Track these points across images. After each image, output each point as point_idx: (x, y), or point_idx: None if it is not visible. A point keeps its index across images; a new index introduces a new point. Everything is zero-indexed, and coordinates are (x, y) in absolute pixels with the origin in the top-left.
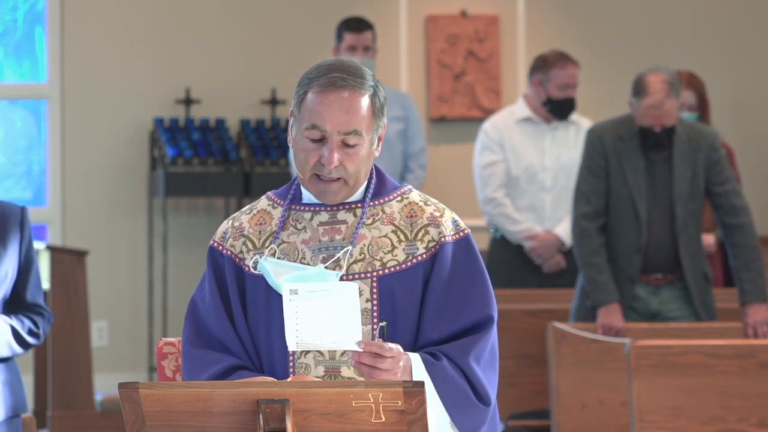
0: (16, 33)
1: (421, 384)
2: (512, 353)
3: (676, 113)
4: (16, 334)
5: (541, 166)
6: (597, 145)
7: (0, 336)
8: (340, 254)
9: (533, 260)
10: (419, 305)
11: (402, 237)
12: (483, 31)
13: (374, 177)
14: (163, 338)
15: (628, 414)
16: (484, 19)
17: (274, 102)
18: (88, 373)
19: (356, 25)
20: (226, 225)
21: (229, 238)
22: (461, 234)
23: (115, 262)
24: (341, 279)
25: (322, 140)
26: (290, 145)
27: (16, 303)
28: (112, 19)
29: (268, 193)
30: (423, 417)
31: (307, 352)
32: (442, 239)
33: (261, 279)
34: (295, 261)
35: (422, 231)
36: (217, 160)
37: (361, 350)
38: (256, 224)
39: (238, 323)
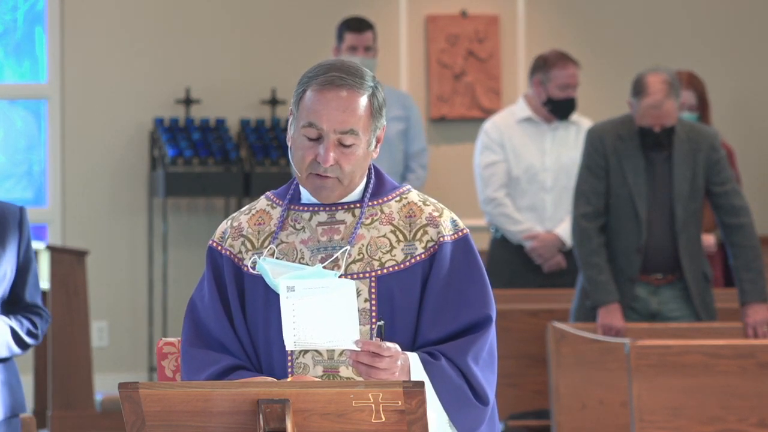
0: (16, 33)
1: (421, 384)
2: (512, 353)
3: (676, 113)
4: (14, 334)
5: (542, 166)
6: (597, 145)
7: None
8: (338, 254)
9: (534, 260)
10: (418, 305)
11: (401, 237)
12: (483, 31)
13: (373, 177)
14: (163, 338)
15: (628, 414)
16: (484, 19)
17: (274, 102)
18: (88, 373)
19: (357, 25)
20: (225, 225)
21: (228, 238)
22: (460, 234)
23: (115, 262)
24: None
25: (318, 139)
26: (289, 143)
27: (15, 303)
28: (112, 19)
29: (267, 193)
30: (423, 417)
31: (306, 351)
32: (441, 239)
33: (260, 279)
34: (293, 261)
35: (421, 231)
36: (217, 160)
37: (359, 349)
38: (255, 224)
39: (237, 323)
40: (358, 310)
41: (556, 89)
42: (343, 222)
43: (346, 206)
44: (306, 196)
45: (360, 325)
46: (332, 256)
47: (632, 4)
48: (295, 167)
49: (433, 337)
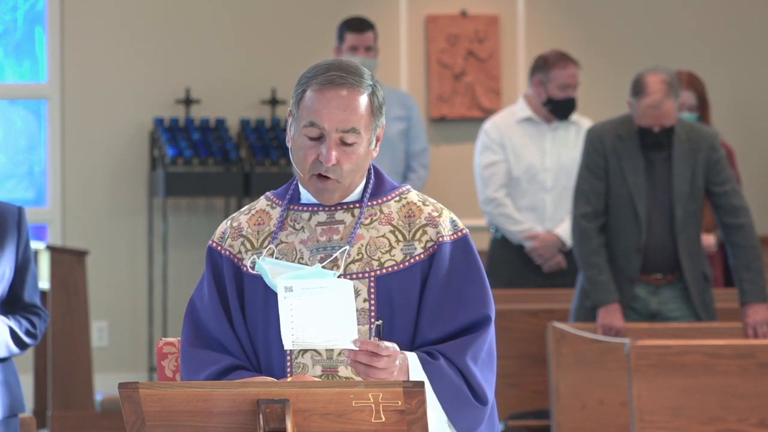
0: (16, 33)
1: (421, 384)
2: (512, 353)
3: (675, 113)
4: (13, 334)
5: (542, 167)
6: (597, 145)
7: None
8: (337, 254)
9: (534, 260)
10: (417, 305)
11: (400, 237)
12: (483, 31)
13: (372, 177)
14: (163, 338)
15: (628, 414)
16: (484, 19)
17: (274, 102)
18: (88, 373)
19: (358, 25)
20: (224, 225)
21: (227, 238)
22: (459, 234)
23: (115, 262)
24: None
25: (320, 138)
26: (288, 144)
27: (13, 303)
28: (112, 19)
29: (267, 193)
30: (423, 417)
31: (305, 351)
32: (440, 239)
33: (259, 279)
34: (293, 261)
35: (420, 231)
36: (217, 160)
37: (357, 349)
38: (254, 224)
39: (237, 323)
40: (357, 310)
41: (556, 89)
42: (342, 222)
43: (345, 206)
44: (305, 196)
45: (359, 324)
46: (331, 256)
47: (632, 4)
48: (297, 168)
49: (432, 337)
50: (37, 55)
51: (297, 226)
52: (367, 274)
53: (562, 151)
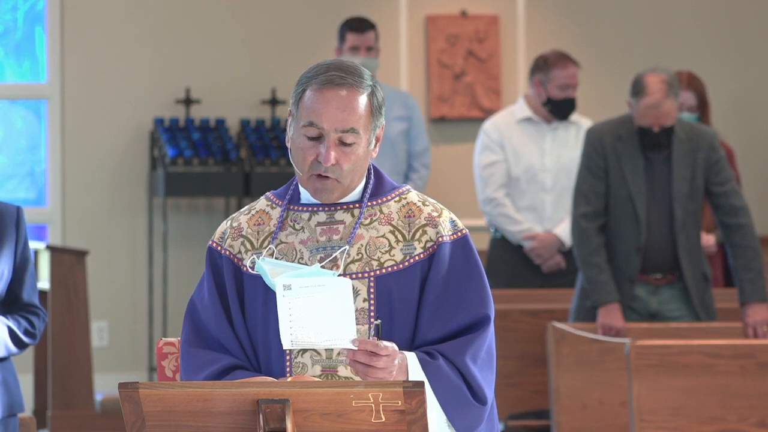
0: (16, 33)
1: (421, 384)
2: (512, 353)
3: (675, 113)
4: (12, 334)
5: (542, 167)
6: (596, 145)
7: None
8: (337, 254)
9: (533, 260)
10: (416, 305)
11: (400, 237)
12: (483, 31)
13: (372, 177)
14: (163, 338)
15: (628, 414)
16: (484, 19)
17: (274, 102)
18: (88, 373)
19: (358, 25)
20: (224, 225)
21: (227, 238)
22: (459, 234)
23: (115, 262)
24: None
25: (319, 138)
26: (288, 144)
27: (12, 303)
28: (112, 19)
29: (267, 193)
30: (423, 417)
31: (304, 351)
32: (440, 239)
33: (259, 279)
34: (293, 261)
35: (420, 231)
36: (217, 160)
37: (356, 348)
38: (254, 224)
39: (237, 323)
40: (357, 310)
41: (556, 89)
42: (342, 222)
43: (345, 206)
44: (305, 196)
45: (359, 324)
46: (331, 256)
47: (632, 4)
48: (296, 168)
49: (431, 337)
50: (37, 55)
51: (297, 226)
52: (366, 274)
53: (561, 151)
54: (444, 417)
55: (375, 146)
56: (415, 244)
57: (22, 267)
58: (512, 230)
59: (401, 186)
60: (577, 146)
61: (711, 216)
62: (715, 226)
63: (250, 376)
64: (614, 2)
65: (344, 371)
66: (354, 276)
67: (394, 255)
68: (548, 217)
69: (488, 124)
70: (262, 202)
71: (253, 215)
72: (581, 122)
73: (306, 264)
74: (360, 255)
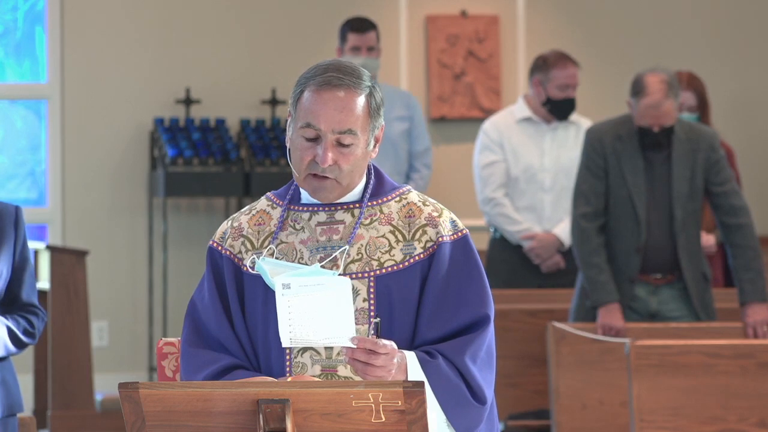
0: (16, 33)
1: (421, 384)
2: (512, 353)
3: (675, 113)
4: (11, 334)
5: (541, 167)
6: (596, 145)
7: None
8: (336, 253)
9: (532, 260)
10: (416, 305)
11: (400, 237)
12: (483, 31)
13: (373, 177)
14: (163, 338)
15: (628, 414)
16: (484, 19)
17: (274, 102)
18: (88, 373)
19: (360, 25)
20: (225, 225)
21: (228, 238)
22: (459, 234)
23: (115, 262)
24: None
25: (316, 139)
26: (287, 144)
27: (11, 303)
28: (112, 19)
29: (268, 193)
30: (423, 417)
31: (304, 351)
32: (440, 239)
33: (259, 279)
34: (293, 261)
35: (420, 231)
36: (217, 160)
37: (355, 347)
38: (255, 224)
39: (237, 323)
40: (357, 310)
41: (556, 89)
42: (342, 222)
43: (345, 206)
44: (306, 196)
45: (358, 324)
46: (331, 255)
47: (632, 4)
48: (293, 168)
49: (431, 337)
50: (37, 55)
51: (297, 226)
52: (366, 274)
53: (561, 151)
54: (444, 417)
55: (374, 147)
56: (415, 244)
57: (21, 267)
58: (511, 230)
59: (402, 186)
60: (576, 146)
61: (711, 216)
62: (715, 226)
63: (249, 376)
64: (614, 2)
65: (344, 371)
66: (354, 276)
67: (394, 255)
68: (547, 217)
69: (488, 124)
70: (262, 202)
71: (253, 215)
72: (581, 122)
73: (306, 264)
74: (360, 255)
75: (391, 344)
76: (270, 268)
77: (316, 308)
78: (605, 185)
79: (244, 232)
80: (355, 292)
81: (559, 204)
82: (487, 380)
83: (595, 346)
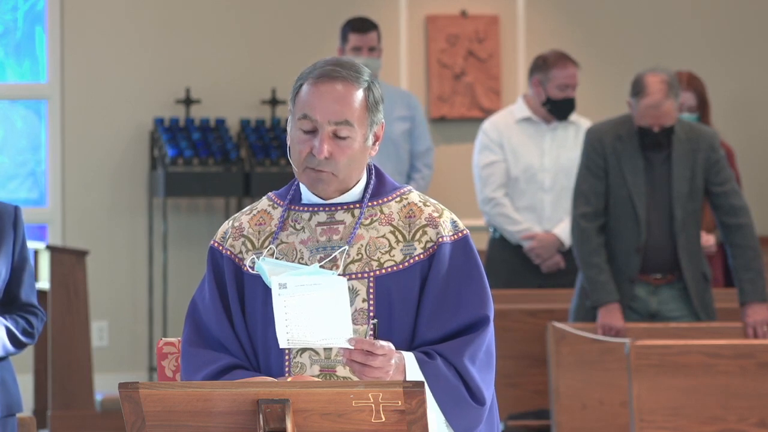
0: (16, 33)
1: (421, 384)
2: (512, 353)
3: (675, 113)
4: (10, 334)
5: (541, 167)
6: (596, 145)
7: None
8: (336, 254)
9: (532, 260)
10: (416, 305)
11: (400, 237)
12: (483, 31)
13: (373, 177)
14: (163, 338)
15: (628, 414)
16: (484, 19)
17: (274, 102)
18: (88, 373)
19: (361, 25)
20: (226, 225)
21: (228, 238)
22: (459, 235)
23: (115, 262)
24: None
25: (314, 131)
26: (288, 143)
27: (10, 303)
28: (112, 19)
29: (269, 193)
30: (423, 417)
31: (303, 351)
32: (440, 240)
33: (259, 279)
34: (293, 261)
35: (420, 231)
36: (217, 160)
37: (352, 347)
38: (255, 224)
39: (237, 323)
40: (356, 310)
41: (556, 89)
42: (342, 222)
43: (345, 206)
44: (306, 196)
45: (357, 325)
46: (331, 255)
47: (632, 4)
48: (292, 163)
49: (430, 337)
50: (37, 55)
51: (297, 227)
52: (366, 275)
53: (560, 151)
54: (443, 417)
55: (374, 144)
56: (416, 244)
57: (20, 267)
58: (511, 230)
59: (403, 186)
60: (576, 146)
61: (711, 216)
62: (715, 226)
63: (249, 376)
64: (614, 2)
65: (343, 371)
66: (354, 276)
67: (394, 255)
68: (547, 217)
69: (487, 124)
70: (263, 202)
71: (254, 215)
72: (580, 122)
73: (306, 264)
74: (360, 255)
75: (388, 345)
76: (269, 268)
77: (313, 308)
78: (605, 185)
79: (245, 232)
80: (355, 293)
81: (559, 204)
82: (486, 381)
83: (595, 346)
